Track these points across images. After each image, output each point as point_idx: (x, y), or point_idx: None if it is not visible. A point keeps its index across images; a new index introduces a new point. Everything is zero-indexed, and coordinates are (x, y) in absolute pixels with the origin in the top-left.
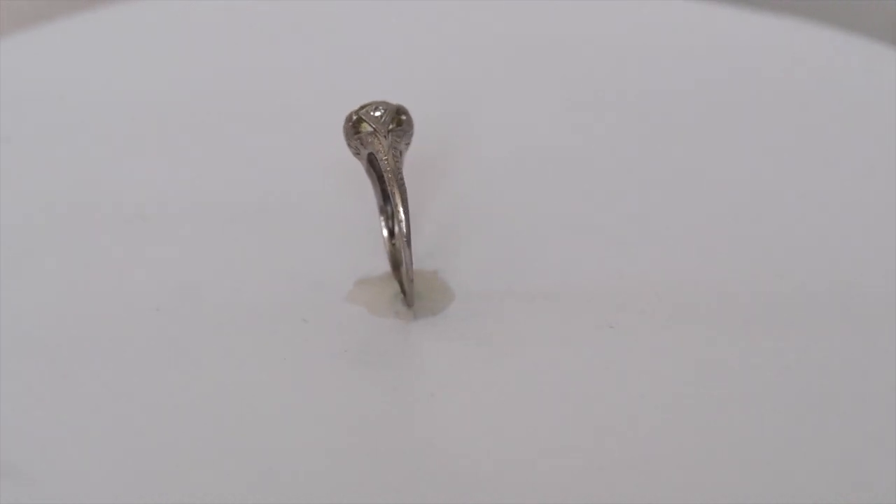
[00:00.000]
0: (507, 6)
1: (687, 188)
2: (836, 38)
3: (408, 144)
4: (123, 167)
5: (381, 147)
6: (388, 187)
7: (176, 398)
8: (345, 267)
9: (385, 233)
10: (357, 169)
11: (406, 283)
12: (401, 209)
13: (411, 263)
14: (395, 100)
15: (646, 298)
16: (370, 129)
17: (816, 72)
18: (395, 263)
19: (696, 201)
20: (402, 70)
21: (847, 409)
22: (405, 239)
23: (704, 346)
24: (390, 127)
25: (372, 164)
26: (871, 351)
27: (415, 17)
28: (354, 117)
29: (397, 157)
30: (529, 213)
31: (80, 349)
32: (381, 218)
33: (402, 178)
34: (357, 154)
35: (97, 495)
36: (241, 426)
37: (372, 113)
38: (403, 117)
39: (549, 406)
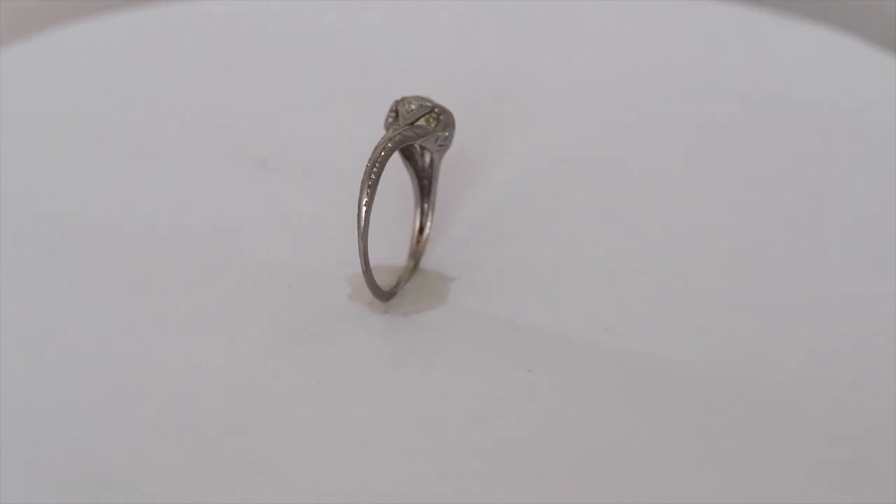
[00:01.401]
0: (563, 19)
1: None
2: None
3: (442, 146)
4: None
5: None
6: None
7: (142, 315)
8: (372, 251)
9: (416, 226)
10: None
11: (366, 277)
12: (365, 199)
13: (365, 255)
14: (454, 101)
15: (578, 351)
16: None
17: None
18: (414, 258)
19: (711, 253)
20: (470, 74)
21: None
22: (361, 232)
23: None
24: (414, 121)
25: (408, 158)
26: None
27: (484, 28)
28: (395, 107)
29: (388, 151)
30: (556, 237)
31: (92, 260)
32: (416, 212)
33: (376, 173)
34: None
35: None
36: (166, 343)
37: (407, 105)
38: (441, 117)
39: (422, 432)
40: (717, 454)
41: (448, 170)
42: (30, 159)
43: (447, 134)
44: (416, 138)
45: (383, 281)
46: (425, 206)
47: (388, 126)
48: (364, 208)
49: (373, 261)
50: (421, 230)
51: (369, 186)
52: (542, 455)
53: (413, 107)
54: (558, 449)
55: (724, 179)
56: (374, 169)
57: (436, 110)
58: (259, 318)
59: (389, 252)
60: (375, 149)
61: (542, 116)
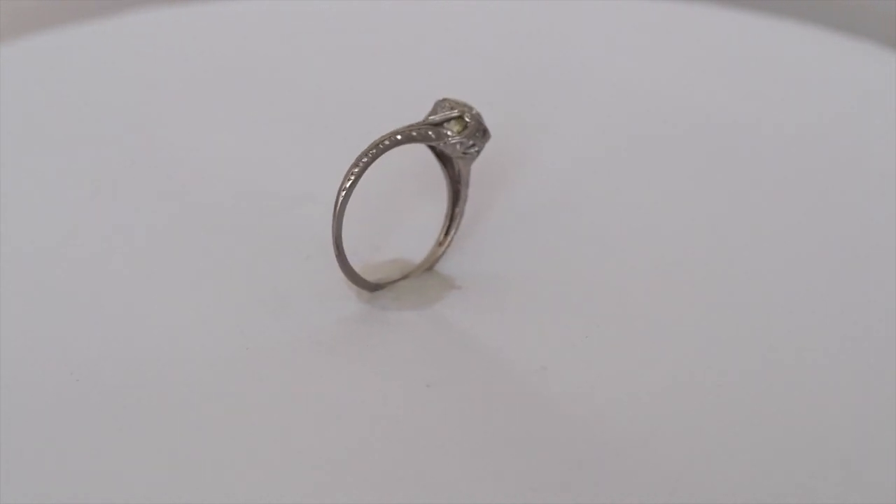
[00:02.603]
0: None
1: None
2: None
3: (466, 154)
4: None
5: None
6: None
7: (152, 254)
8: (401, 245)
9: (442, 231)
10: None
11: (339, 261)
12: (347, 184)
13: (338, 239)
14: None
15: (498, 382)
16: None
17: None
18: (429, 260)
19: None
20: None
21: None
22: (336, 214)
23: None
24: (438, 123)
25: (444, 163)
26: None
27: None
28: (435, 107)
29: (386, 144)
30: (581, 258)
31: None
32: (445, 217)
33: (365, 163)
34: None
35: None
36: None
37: (442, 106)
38: (470, 124)
39: (278, 417)
40: None
41: (498, 178)
42: (161, 110)
43: (471, 143)
44: (430, 140)
45: (392, 273)
46: (455, 211)
47: None
48: (342, 193)
49: (396, 253)
50: (446, 234)
51: (353, 174)
52: (369, 464)
53: (444, 109)
54: (389, 463)
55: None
56: (364, 159)
57: (465, 117)
58: (250, 280)
59: (420, 250)
60: (377, 139)
61: (584, 124)
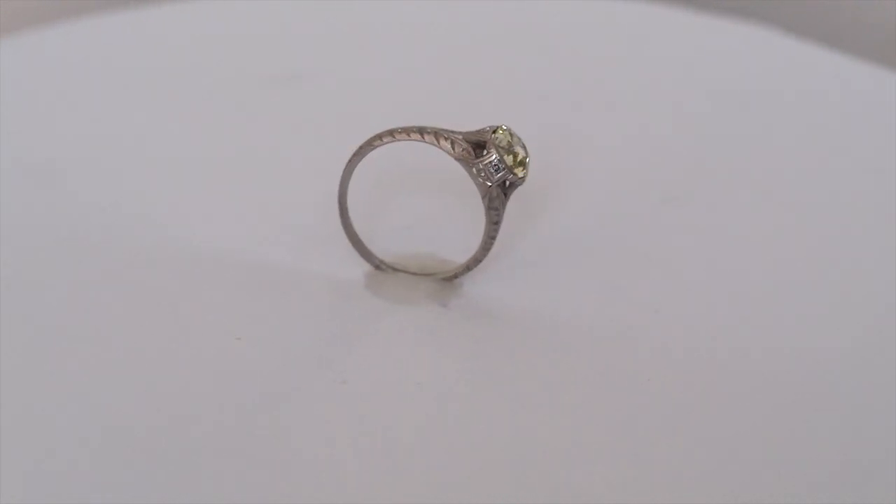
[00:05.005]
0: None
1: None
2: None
3: (480, 180)
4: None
5: None
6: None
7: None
8: (442, 244)
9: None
10: (532, 188)
11: (343, 224)
12: (358, 154)
13: (343, 195)
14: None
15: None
16: None
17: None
18: (452, 270)
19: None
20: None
21: None
22: (341, 180)
23: None
24: (470, 140)
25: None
26: None
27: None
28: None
29: (403, 135)
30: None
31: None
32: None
33: (378, 144)
34: None
35: None
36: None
37: (496, 130)
38: (489, 152)
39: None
40: None
41: (556, 209)
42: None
43: (479, 167)
44: (419, 140)
45: (411, 266)
46: (489, 233)
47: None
48: (349, 161)
49: (444, 254)
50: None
51: (360, 149)
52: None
53: (484, 133)
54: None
55: None
56: (384, 137)
57: (486, 145)
58: (293, 217)
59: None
60: (406, 126)
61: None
